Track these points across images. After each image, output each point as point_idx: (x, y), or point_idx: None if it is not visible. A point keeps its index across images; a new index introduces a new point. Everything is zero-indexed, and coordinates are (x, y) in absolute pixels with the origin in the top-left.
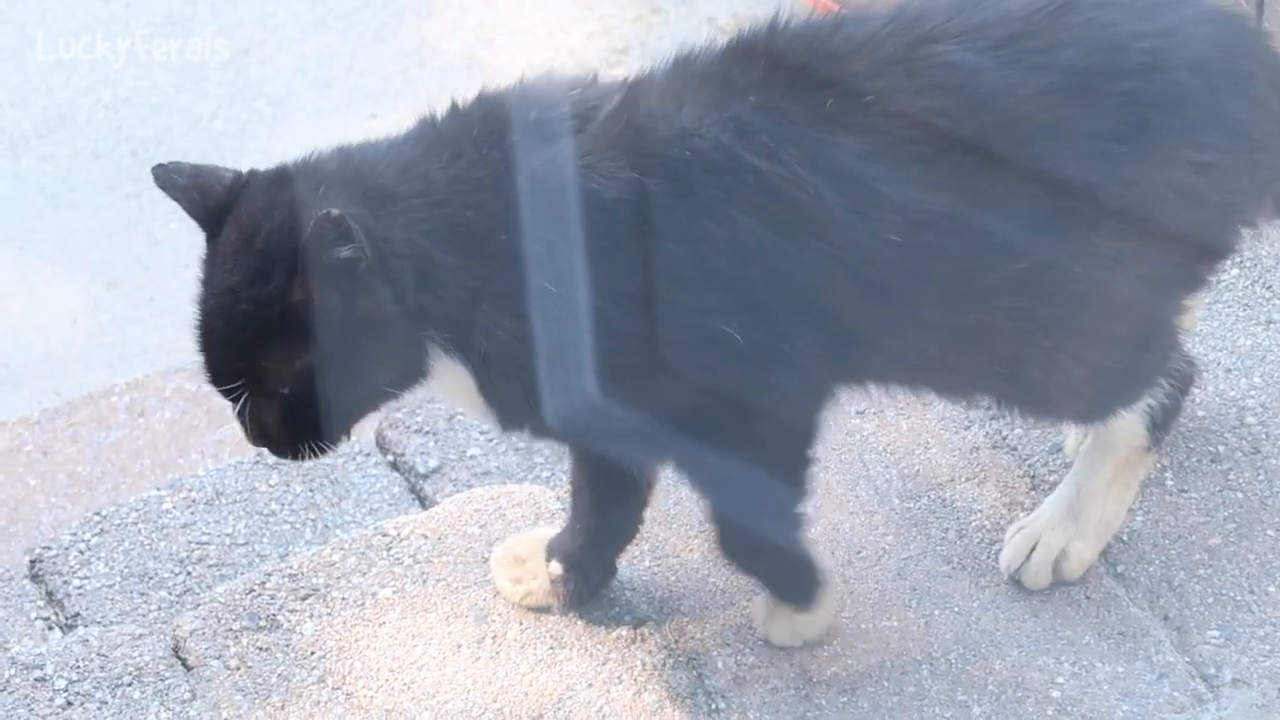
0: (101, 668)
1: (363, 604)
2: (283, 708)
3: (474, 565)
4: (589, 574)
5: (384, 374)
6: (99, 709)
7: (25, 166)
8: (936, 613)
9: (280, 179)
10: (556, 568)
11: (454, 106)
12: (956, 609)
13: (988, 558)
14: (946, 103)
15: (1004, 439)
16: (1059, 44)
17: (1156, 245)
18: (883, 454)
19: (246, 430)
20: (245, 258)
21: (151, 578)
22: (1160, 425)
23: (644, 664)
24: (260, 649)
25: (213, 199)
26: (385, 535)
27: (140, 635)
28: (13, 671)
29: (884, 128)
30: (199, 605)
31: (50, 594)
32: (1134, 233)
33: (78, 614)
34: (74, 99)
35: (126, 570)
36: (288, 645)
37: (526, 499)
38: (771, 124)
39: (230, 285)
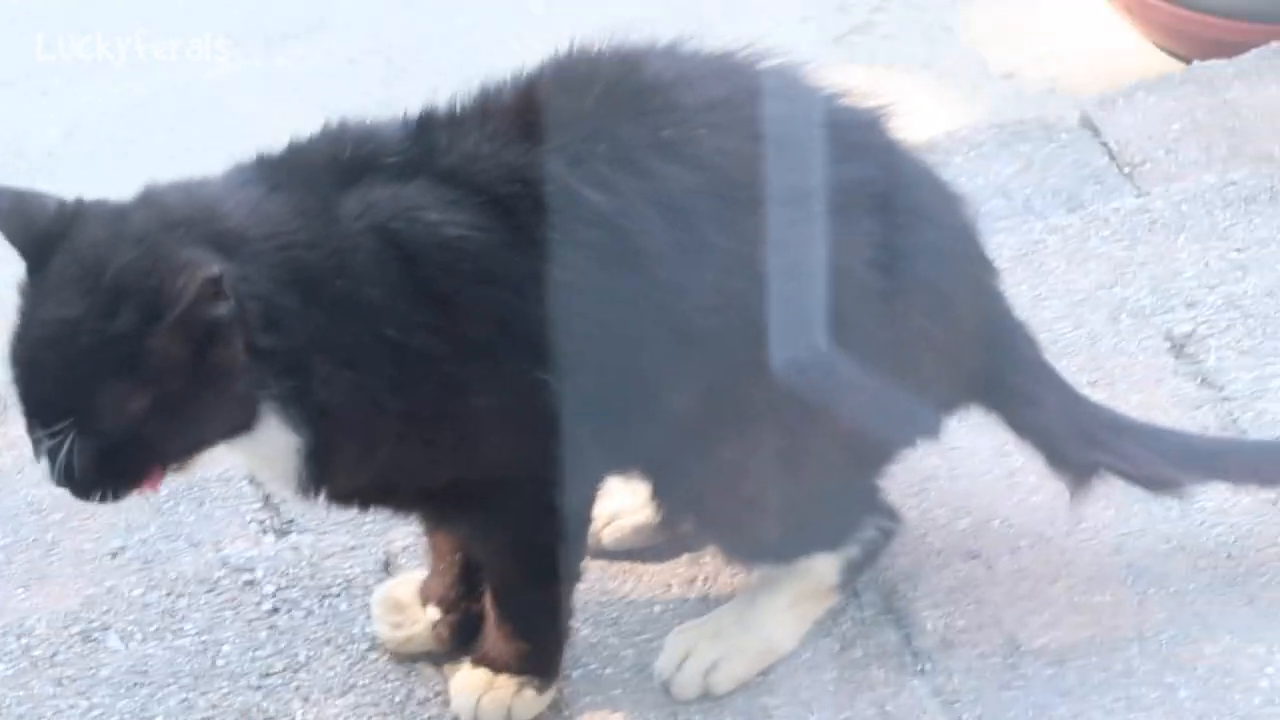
0: (311, 576)
1: None
2: None
3: None
4: (469, 612)
5: (216, 424)
6: (305, 617)
7: (280, 66)
8: (1151, 591)
9: (122, 213)
10: (434, 612)
11: (297, 142)
12: (1172, 589)
13: (1209, 540)
14: (763, 150)
15: (1234, 420)
16: (870, 147)
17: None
18: None
19: (52, 470)
20: (87, 291)
21: None
22: (855, 568)
23: (853, 619)
24: None
25: (37, 226)
26: None
27: (353, 547)
28: (223, 573)
29: (712, 164)
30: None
31: (267, 498)
32: (863, 363)
33: (293, 520)
34: (333, 2)
35: None
36: None
37: None
38: (607, 152)
39: (67, 318)
